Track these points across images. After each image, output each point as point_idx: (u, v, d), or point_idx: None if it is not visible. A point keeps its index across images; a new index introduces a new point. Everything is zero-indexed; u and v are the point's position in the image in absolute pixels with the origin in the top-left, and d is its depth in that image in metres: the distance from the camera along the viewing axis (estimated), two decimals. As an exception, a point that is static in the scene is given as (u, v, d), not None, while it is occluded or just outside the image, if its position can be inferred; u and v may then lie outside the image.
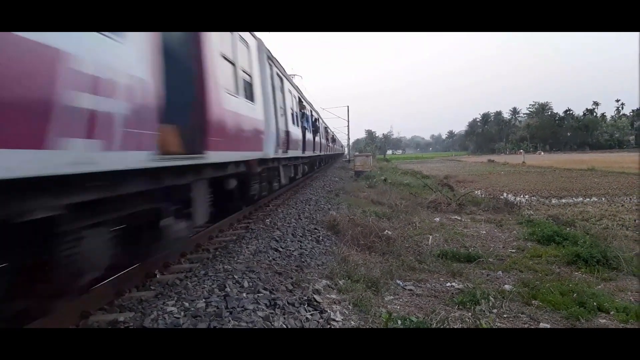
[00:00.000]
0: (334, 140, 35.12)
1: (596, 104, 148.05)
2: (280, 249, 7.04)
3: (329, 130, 37.53)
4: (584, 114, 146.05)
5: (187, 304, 4.33)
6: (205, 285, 4.91)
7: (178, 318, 4.01)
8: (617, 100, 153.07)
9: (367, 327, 4.35)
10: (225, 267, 5.67)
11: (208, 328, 3.66)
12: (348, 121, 65.05)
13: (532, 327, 5.03)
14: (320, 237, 8.36)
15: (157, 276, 5.54)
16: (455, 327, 4.16)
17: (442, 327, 4.14)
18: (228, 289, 4.75)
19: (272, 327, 3.96)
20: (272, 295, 4.78)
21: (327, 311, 4.65)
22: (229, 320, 3.93)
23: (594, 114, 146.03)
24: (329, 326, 4.31)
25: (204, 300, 4.43)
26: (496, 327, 4.66)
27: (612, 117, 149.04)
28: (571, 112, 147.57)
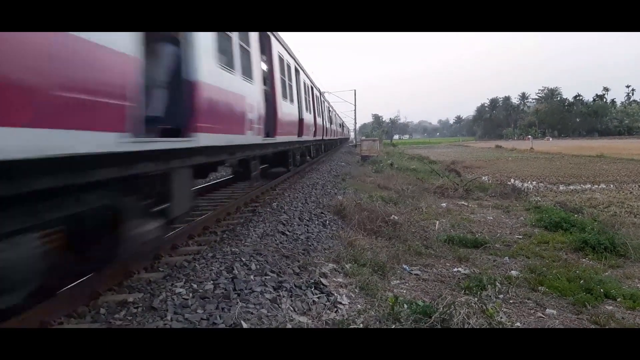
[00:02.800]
0: (330, 119, 33.48)
1: (606, 89, 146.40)
2: (287, 233, 7.07)
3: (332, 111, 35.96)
4: (594, 100, 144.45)
5: (195, 286, 4.37)
6: (213, 268, 4.94)
7: (186, 299, 4.05)
8: (628, 86, 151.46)
9: (373, 310, 4.37)
10: (233, 249, 5.71)
11: (209, 328, 3.61)
12: (355, 105, 64.82)
13: (538, 312, 5.04)
14: (327, 221, 8.38)
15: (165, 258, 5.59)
16: (462, 311, 4.16)
17: (448, 311, 4.15)
18: (236, 271, 4.78)
19: (272, 325, 3.98)
20: (280, 278, 4.82)
21: (333, 294, 4.67)
22: (237, 302, 3.97)
23: (604, 99, 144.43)
24: (335, 309, 4.33)
25: (212, 282, 4.47)
26: (502, 312, 4.67)
27: (622, 103, 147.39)
28: (581, 97, 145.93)
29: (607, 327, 4.70)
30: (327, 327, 3.92)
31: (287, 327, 3.64)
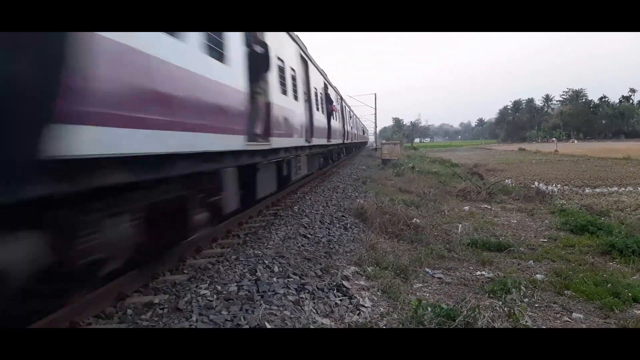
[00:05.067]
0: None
1: (633, 90, 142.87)
2: (309, 236, 7.10)
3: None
4: (620, 101, 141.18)
5: (219, 287, 4.43)
6: (237, 270, 5.00)
7: (211, 301, 4.11)
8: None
9: (396, 313, 4.36)
10: (256, 252, 5.76)
11: (230, 328, 3.62)
12: (375, 108, 64.69)
13: (565, 316, 4.96)
14: (348, 225, 8.39)
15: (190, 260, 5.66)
16: (486, 315, 4.12)
17: (472, 315, 4.11)
18: (259, 274, 4.83)
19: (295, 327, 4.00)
20: (302, 281, 4.84)
21: (356, 297, 4.68)
22: (261, 304, 4.01)
23: (630, 101, 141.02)
24: (358, 311, 4.34)
25: (235, 284, 4.52)
26: (528, 316, 4.61)
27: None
28: (606, 99, 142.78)
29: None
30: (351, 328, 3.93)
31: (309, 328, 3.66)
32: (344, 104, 25.84)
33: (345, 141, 25.33)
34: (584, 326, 4.71)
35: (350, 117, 31.17)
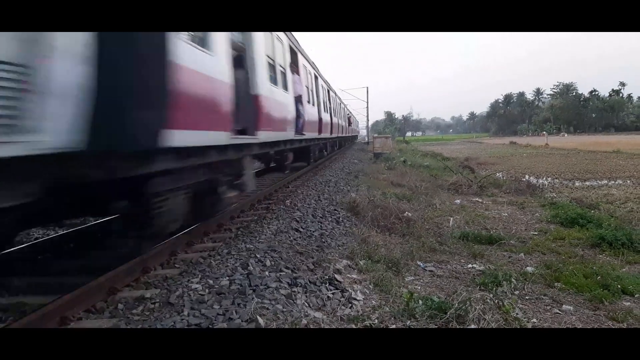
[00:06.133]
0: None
1: (622, 84, 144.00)
2: (301, 230, 7.09)
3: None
4: (610, 95, 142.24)
5: (211, 282, 4.42)
6: (229, 264, 4.99)
7: (203, 295, 4.09)
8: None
9: (388, 306, 4.37)
10: (248, 246, 5.75)
11: (207, 328, 3.57)
12: (367, 102, 64.65)
13: (555, 308, 5.00)
14: (340, 218, 8.39)
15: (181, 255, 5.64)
16: (477, 307, 4.14)
17: (463, 307, 4.13)
18: (251, 268, 4.82)
19: (287, 320, 4.00)
20: (294, 274, 4.84)
21: (348, 290, 4.68)
22: (253, 298, 4.00)
23: (620, 94, 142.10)
24: (350, 305, 4.35)
25: (227, 278, 4.51)
26: (518, 308, 4.64)
27: (639, 97, 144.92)
28: (596, 92, 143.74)
29: (625, 322, 4.65)
30: (342, 322, 3.93)
31: (302, 322, 3.66)
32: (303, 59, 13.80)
33: (300, 133, 12.14)
34: (573, 318, 4.75)
35: (319, 89, 17.91)
